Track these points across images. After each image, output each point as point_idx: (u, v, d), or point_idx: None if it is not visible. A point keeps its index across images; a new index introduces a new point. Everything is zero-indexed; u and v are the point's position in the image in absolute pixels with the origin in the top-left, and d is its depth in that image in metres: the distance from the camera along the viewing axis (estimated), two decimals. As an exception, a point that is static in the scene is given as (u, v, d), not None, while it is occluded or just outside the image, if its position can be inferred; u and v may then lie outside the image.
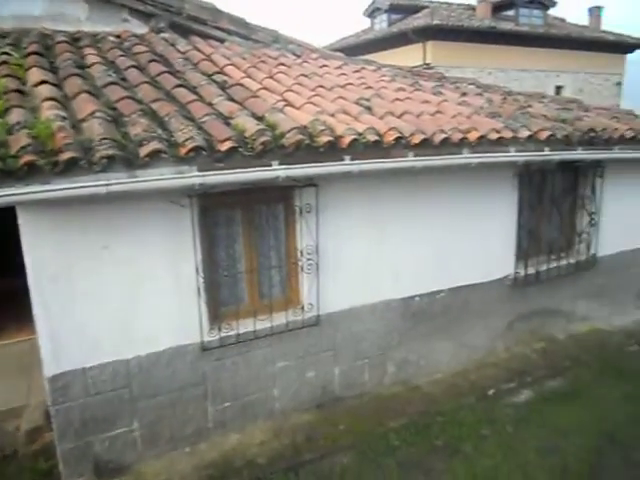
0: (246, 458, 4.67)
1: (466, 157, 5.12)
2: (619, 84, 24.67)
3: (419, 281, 5.75)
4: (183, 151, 3.84)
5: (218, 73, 5.54)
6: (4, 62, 4.78)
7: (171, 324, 4.50)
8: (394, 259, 5.51)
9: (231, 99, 4.87)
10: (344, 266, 5.22)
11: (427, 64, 18.32)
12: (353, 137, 4.44)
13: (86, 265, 4.05)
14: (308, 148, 4.28)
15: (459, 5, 23.63)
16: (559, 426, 5.23)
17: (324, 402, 5.40)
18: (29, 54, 5.08)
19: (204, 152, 3.90)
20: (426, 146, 4.85)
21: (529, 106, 6.76)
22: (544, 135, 5.58)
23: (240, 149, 4.04)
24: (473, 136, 5.12)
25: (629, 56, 25.00)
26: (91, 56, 5.35)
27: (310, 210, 4.86)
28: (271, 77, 5.80)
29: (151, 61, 5.45)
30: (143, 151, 3.71)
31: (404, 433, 5.06)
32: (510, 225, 6.30)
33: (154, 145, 3.73)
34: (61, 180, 3.46)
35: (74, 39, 5.90)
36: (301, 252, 4.97)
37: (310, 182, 4.72)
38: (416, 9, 22.69)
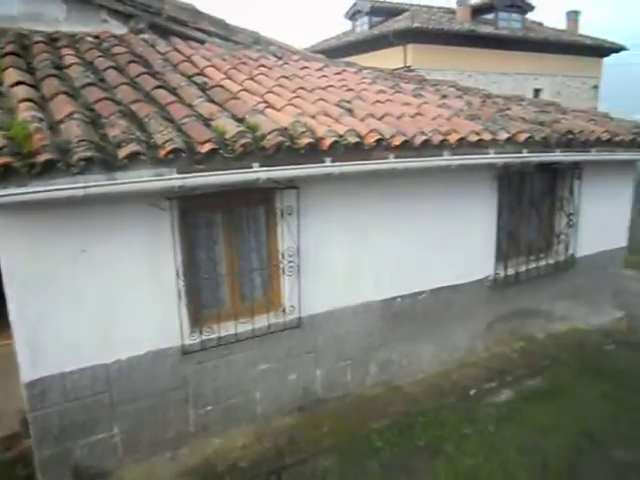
0: (228, 462, 4.64)
1: (446, 159, 5.16)
2: (596, 87, 25.08)
3: (400, 282, 5.77)
4: (162, 153, 3.80)
5: (198, 74, 5.51)
6: (-21, 63, 4.70)
7: (151, 327, 4.45)
8: (375, 261, 5.53)
9: (211, 101, 4.85)
10: (325, 268, 5.22)
11: (408, 67, 18.42)
12: (334, 139, 4.44)
13: (64, 269, 3.99)
14: (289, 150, 4.27)
15: (439, 8, 23.81)
16: (539, 425, 5.29)
17: (306, 404, 5.39)
18: (5, 54, 4.99)
19: (184, 154, 3.86)
20: (407, 148, 4.88)
21: (508, 109, 6.84)
22: (522, 137, 5.65)
23: (220, 151, 4.02)
24: (453, 138, 5.16)
25: (605, 60, 25.44)
26: (69, 57, 5.28)
27: (291, 212, 4.85)
28: (252, 79, 5.79)
29: (130, 62, 5.40)
30: (122, 153, 3.67)
31: (387, 434, 5.08)
32: (490, 226, 6.36)
33: (133, 147, 3.69)
34: (38, 182, 3.41)
35: (52, 39, 5.82)
36: (282, 254, 4.96)
37: (291, 184, 4.71)
38: (397, 12, 22.82)
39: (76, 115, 3.90)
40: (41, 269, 3.90)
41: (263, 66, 6.43)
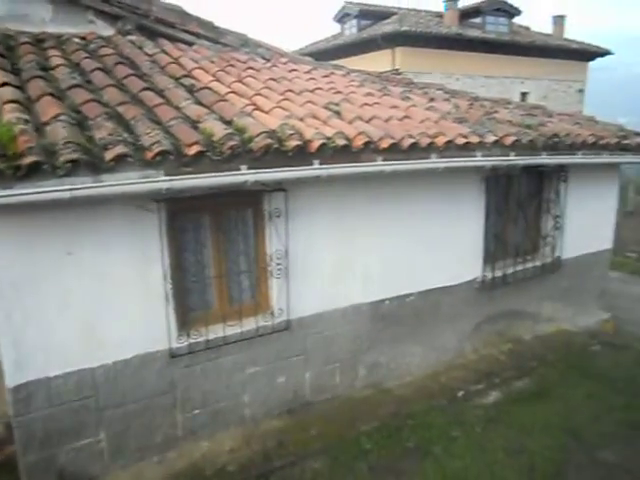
0: (216, 466, 4.61)
1: (434, 161, 5.18)
2: (581, 91, 25.35)
3: (389, 285, 5.78)
4: (149, 155, 3.79)
5: (186, 76, 5.48)
6: (-37, 63, 4.65)
7: (139, 331, 4.42)
8: (364, 263, 5.54)
9: (199, 103, 4.83)
10: (314, 270, 5.22)
11: (396, 70, 18.49)
12: (322, 141, 4.45)
13: (50, 272, 3.95)
14: (277, 152, 4.27)
15: (427, 12, 23.94)
16: (526, 426, 5.33)
17: (295, 407, 5.38)
18: (-10, 55, 4.95)
19: (171, 156, 3.85)
20: (395, 151, 4.90)
21: (495, 112, 6.89)
22: (509, 140, 5.69)
23: (208, 153, 4.00)
24: (441, 141, 5.19)
25: (591, 64, 25.73)
26: (55, 58, 5.24)
27: (279, 215, 4.85)
28: (240, 81, 5.78)
29: (117, 63, 5.37)
30: (108, 155, 3.65)
31: (375, 436, 5.08)
32: (477, 229, 6.40)
33: (120, 149, 3.67)
34: (23, 185, 3.38)
35: (38, 40, 5.76)
36: (270, 257, 4.95)
37: (279, 187, 4.71)
38: (385, 15, 22.90)
39: (62, 117, 3.88)
40: (27, 272, 3.86)
41: (251, 68, 6.41)
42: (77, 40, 5.97)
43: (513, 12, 23.26)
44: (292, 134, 4.40)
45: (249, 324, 4.93)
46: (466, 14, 22.80)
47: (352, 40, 22.66)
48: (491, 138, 5.59)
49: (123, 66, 5.32)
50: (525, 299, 7.16)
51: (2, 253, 3.76)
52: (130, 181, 3.73)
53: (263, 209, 4.86)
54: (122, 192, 3.75)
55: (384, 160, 4.85)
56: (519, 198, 6.85)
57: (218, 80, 5.62)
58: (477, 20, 22.66)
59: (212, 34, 7.06)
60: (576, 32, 27.67)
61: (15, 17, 5.97)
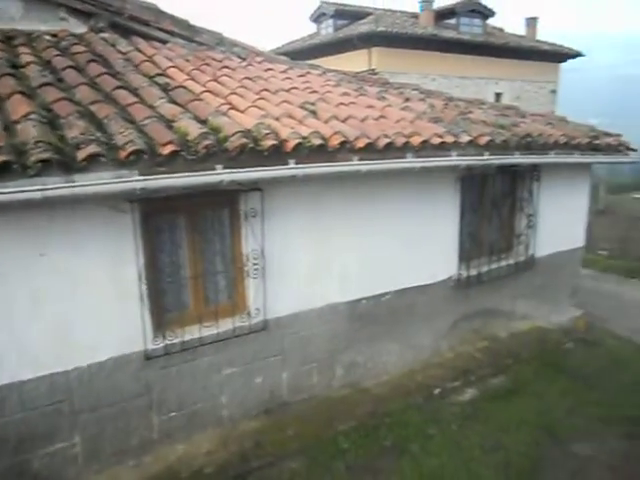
0: (193, 468, 4.57)
1: (409, 161, 5.21)
2: (554, 92, 25.79)
3: (365, 284, 5.80)
4: (123, 154, 3.73)
5: (160, 75, 5.42)
6: None
7: (113, 333, 4.36)
8: (340, 263, 5.55)
9: (173, 102, 4.78)
10: (290, 270, 5.21)
11: (372, 70, 18.56)
12: (298, 141, 4.44)
13: (21, 273, 3.87)
14: (252, 152, 4.24)
15: (403, 13, 24.10)
16: (502, 422, 5.40)
17: (272, 408, 5.36)
18: (-43, 52, 4.83)
19: (145, 156, 3.80)
20: (370, 150, 4.91)
21: (469, 112, 6.96)
22: (484, 140, 5.76)
23: (182, 153, 3.96)
24: (416, 140, 5.22)
25: (563, 65, 26.20)
26: (26, 55, 5.13)
27: (255, 215, 4.83)
28: (215, 80, 5.73)
29: (90, 61, 5.28)
30: (80, 154, 3.58)
31: (353, 435, 5.10)
32: (453, 228, 6.46)
33: (92, 148, 3.61)
34: (-8, 185, 3.30)
35: (8, 37, 5.64)
36: (247, 257, 4.93)
37: (255, 186, 4.68)
38: (361, 15, 22.98)
39: (33, 115, 3.80)
40: (-4, 274, 3.78)
41: (227, 67, 6.37)
42: (48, 37, 5.85)
43: (487, 13, 23.56)
44: (268, 133, 4.38)
45: (226, 325, 4.90)
46: (441, 15, 23.02)
47: (328, 40, 22.69)
48: (466, 138, 5.65)
49: (96, 64, 5.24)
50: (500, 297, 7.25)
51: (-30, 255, 3.67)
52: (103, 181, 3.66)
53: (239, 209, 4.83)
54: (95, 192, 3.68)
55: (360, 160, 4.86)
56: (493, 197, 6.94)
57: (193, 79, 5.57)
58: (452, 21, 22.89)
59: (187, 32, 7.00)
60: (552, 34, 28.14)
61: (-17, 14, 5.84)
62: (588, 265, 10.76)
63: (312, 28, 26.05)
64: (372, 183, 5.47)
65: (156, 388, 4.66)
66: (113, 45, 6.05)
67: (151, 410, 4.67)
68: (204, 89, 5.26)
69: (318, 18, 24.88)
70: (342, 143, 4.72)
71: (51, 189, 3.45)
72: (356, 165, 4.86)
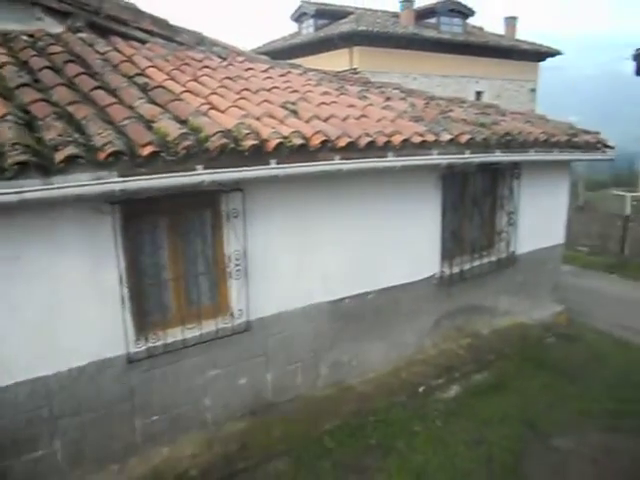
0: (177, 472, 4.54)
1: (391, 160, 5.23)
2: (533, 90, 26.11)
3: (348, 283, 5.81)
4: (102, 156, 3.68)
5: (139, 75, 5.36)
6: None
7: (94, 336, 4.31)
8: (323, 262, 5.55)
9: (153, 102, 4.73)
10: (273, 271, 5.19)
11: (354, 69, 18.60)
12: (279, 141, 4.43)
13: (-2, 277, 3.81)
14: (233, 152, 4.21)
15: (384, 12, 24.20)
16: (485, 418, 5.45)
17: (257, 409, 5.34)
18: None
19: (124, 157, 3.75)
20: (352, 149, 4.91)
21: (450, 110, 7.00)
22: (464, 138, 5.79)
23: (162, 154, 3.92)
24: (397, 139, 5.24)
25: (542, 64, 26.51)
26: (1, 56, 5.03)
27: (237, 215, 4.80)
28: (195, 80, 5.69)
29: (67, 62, 5.21)
30: (58, 156, 3.53)
31: (338, 435, 5.11)
32: (435, 226, 6.49)
33: (70, 150, 3.56)
34: (-33, 188, 3.24)
35: (-19, 38, 5.55)
36: (229, 258, 4.91)
37: (236, 187, 4.66)
38: (342, 15, 23.04)
39: (9, 117, 3.73)
40: (-27, 279, 3.71)
41: (207, 67, 6.33)
42: (25, 37, 5.75)
43: (467, 13, 23.78)
44: (248, 133, 4.36)
45: (208, 326, 4.87)
46: (422, 14, 23.18)
47: (309, 39, 22.71)
48: (446, 136, 5.68)
49: (73, 64, 5.17)
50: (482, 294, 7.31)
51: (-54, 259, 3.60)
52: (82, 183, 3.61)
53: (221, 210, 4.81)
54: (74, 194, 3.62)
55: (341, 159, 4.86)
56: (475, 195, 7.00)
57: (173, 79, 5.52)
58: (432, 20, 23.08)
59: (166, 32, 6.93)
60: (532, 34, 28.43)
61: (-44, 13, 5.73)
62: (569, 261, 10.91)
63: (293, 27, 26.10)
64: (354, 182, 5.47)
65: (139, 391, 4.61)
66: (91, 45, 5.97)
67: (134, 414, 4.62)
68: (184, 89, 5.22)
69: (299, 17, 24.89)
70: (323, 142, 4.71)
71: (28, 192, 3.40)
72: (337, 164, 4.85)
